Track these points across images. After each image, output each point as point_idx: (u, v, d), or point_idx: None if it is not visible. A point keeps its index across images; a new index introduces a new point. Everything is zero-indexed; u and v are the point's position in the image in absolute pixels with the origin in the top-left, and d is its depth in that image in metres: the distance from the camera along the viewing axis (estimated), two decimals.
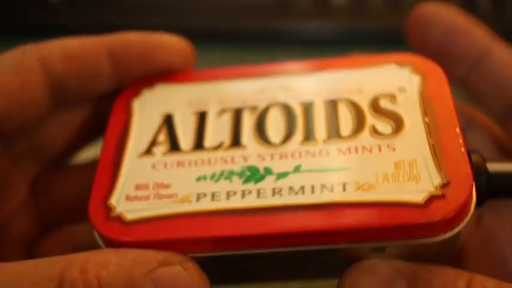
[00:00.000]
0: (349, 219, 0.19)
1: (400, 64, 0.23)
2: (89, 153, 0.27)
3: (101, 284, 0.18)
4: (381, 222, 0.19)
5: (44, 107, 0.24)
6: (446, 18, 0.25)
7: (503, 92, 0.23)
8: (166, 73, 0.25)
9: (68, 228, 0.25)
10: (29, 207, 0.25)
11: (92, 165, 0.27)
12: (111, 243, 0.20)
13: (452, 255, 0.21)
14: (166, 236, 0.20)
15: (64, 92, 0.25)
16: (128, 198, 0.21)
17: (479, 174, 0.20)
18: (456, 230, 0.19)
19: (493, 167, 0.21)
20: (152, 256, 0.19)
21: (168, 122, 0.23)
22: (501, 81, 0.23)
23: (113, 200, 0.21)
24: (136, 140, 0.23)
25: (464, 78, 0.23)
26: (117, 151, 0.22)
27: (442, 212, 0.19)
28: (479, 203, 0.20)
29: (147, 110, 0.24)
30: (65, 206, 0.25)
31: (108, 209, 0.21)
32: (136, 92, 0.25)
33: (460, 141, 0.20)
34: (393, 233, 0.19)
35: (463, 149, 0.20)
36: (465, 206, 0.19)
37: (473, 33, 0.25)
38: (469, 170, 0.20)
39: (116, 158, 0.22)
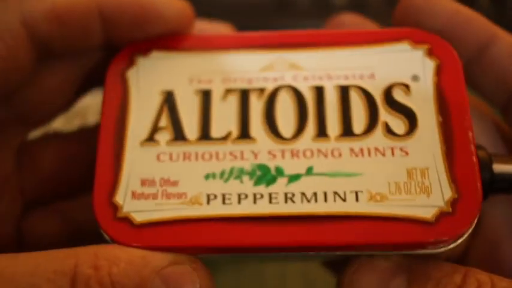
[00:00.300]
0: (360, 234, 0.19)
1: (414, 44, 0.22)
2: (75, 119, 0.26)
3: (112, 283, 0.19)
4: (390, 239, 0.19)
5: (28, 71, 0.22)
6: (444, 7, 0.23)
7: (506, 83, 0.23)
8: (162, 37, 0.23)
9: (55, 203, 0.25)
10: (14, 181, 0.24)
11: (76, 134, 0.25)
12: (118, 243, 0.20)
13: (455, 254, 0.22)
14: (176, 243, 0.20)
15: (50, 55, 0.22)
16: (135, 195, 0.20)
17: (484, 171, 0.21)
18: (461, 240, 0.20)
19: (498, 166, 0.21)
20: (161, 255, 0.19)
21: (169, 102, 0.22)
22: (503, 71, 0.23)
23: (119, 198, 0.20)
24: (136, 123, 0.21)
25: (464, 68, 0.22)
26: (116, 136, 0.21)
27: (451, 230, 0.19)
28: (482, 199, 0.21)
29: (144, 86, 0.22)
30: (50, 179, 0.24)
31: (115, 207, 0.20)
32: (130, 61, 0.23)
33: (472, 148, 0.20)
34: (401, 247, 0.20)
35: (474, 158, 0.20)
36: (473, 222, 0.20)
37: (474, 22, 0.23)
38: (479, 184, 0.20)
39: (116, 145, 0.21)
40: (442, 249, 0.20)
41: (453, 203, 0.20)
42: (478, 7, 0.31)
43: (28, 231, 0.24)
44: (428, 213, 0.20)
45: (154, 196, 0.20)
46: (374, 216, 0.20)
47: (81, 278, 0.18)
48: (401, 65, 0.22)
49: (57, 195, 0.25)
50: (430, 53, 0.22)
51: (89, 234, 0.25)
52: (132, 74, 0.22)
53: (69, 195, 0.25)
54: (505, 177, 0.21)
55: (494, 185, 0.21)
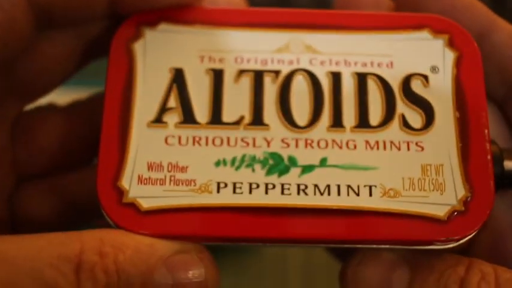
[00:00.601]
0: (372, 230, 0.19)
1: (435, 33, 0.21)
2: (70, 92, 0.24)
3: (118, 271, 0.18)
4: (402, 236, 0.19)
5: (27, 40, 0.21)
6: None
7: (505, 74, 0.22)
8: (170, 9, 0.21)
9: (49, 178, 0.24)
10: (8, 154, 0.23)
11: (72, 107, 0.24)
12: (124, 229, 0.19)
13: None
14: (184, 232, 0.19)
15: (50, 24, 0.21)
16: (141, 180, 0.20)
17: (495, 167, 0.20)
18: (470, 236, 0.20)
19: (509, 163, 0.21)
20: (168, 243, 0.19)
21: (179, 80, 0.21)
22: (503, 61, 0.22)
23: (125, 182, 0.19)
24: (143, 102, 0.20)
25: None
26: (122, 115, 0.20)
27: (463, 229, 0.19)
28: None
29: (152, 62, 0.21)
30: (44, 153, 0.23)
31: (120, 192, 0.19)
32: (136, 33, 0.21)
33: (487, 146, 0.20)
34: (411, 244, 0.20)
35: (489, 157, 0.20)
36: (485, 221, 0.20)
37: (474, 8, 0.22)
38: (492, 183, 0.20)
39: (121, 125, 0.20)
40: (451, 246, 0.20)
41: (466, 201, 0.20)
42: None
43: (20, 205, 0.23)
44: (441, 211, 0.19)
45: (162, 182, 0.20)
46: (386, 212, 0.19)
47: (86, 265, 0.18)
48: (421, 55, 0.21)
49: (51, 170, 0.24)
50: (451, 44, 0.21)
51: (83, 210, 0.24)
52: (138, 47, 0.21)
53: (63, 170, 0.24)
54: None
55: (505, 181, 0.21)
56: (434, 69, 0.21)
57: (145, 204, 0.19)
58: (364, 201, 0.20)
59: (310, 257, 0.32)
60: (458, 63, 0.21)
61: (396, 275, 0.20)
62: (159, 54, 0.21)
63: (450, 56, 0.21)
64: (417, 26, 0.22)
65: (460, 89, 0.21)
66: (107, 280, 0.18)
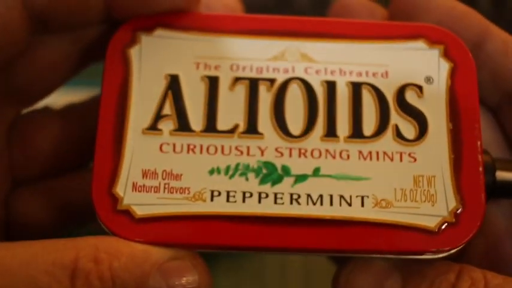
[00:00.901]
0: (364, 240, 0.19)
1: (430, 43, 0.22)
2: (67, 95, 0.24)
3: (113, 277, 0.18)
4: (393, 247, 0.19)
5: (23, 45, 0.21)
6: (440, 2, 0.22)
7: (499, 81, 0.22)
8: (166, 14, 0.21)
9: (44, 182, 0.24)
10: (4, 158, 0.23)
11: (68, 112, 0.24)
12: (118, 237, 0.19)
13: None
14: (178, 240, 0.19)
15: (46, 28, 0.21)
16: (136, 187, 0.20)
17: (487, 177, 0.20)
18: (460, 247, 0.20)
19: (501, 173, 0.21)
20: (162, 250, 0.19)
21: (174, 87, 0.21)
22: (497, 70, 0.22)
23: (119, 189, 0.20)
24: (138, 109, 0.20)
25: None
26: (117, 121, 0.20)
27: (454, 241, 0.19)
28: None
29: (147, 68, 0.21)
30: (40, 157, 0.23)
31: (114, 199, 0.19)
32: (132, 38, 0.21)
33: (480, 158, 0.20)
34: (402, 254, 0.20)
35: (480, 169, 0.20)
36: (475, 233, 0.20)
37: (469, 17, 0.22)
38: (483, 196, 0.20)
39: (116, 132, 0.20)
40: (441, 256, 0.20)
41: (456, 213, 0.20)
42: (478, 7, 0.30)
43: (15, 209, 0.23)
44: (431, 223, 0.20)
45: (156, 189, 0.20)
46: (378, 223, 0.20)
47: (81, 272, 0.18)
48: (416, 65, 0.21)
49: (46, 174, 0.24)
50: (446, 54, 0.21)
51: (78, 214, 0.24)
52: (134, 53, 0.21)
53: (59, 173, 0.24)
54: (507, 184, 0.21)
55: (496, 191, 0.21)
56: (428, 79, 0.21)
57: (140, 211, 0.19)
58: (356, 212, 0.20)
59: (310, 257, 0.31)
60: (453, 74, 0.21)
61: (388, 283, 0.20)
62: (155, 60, 0.21)
63: (445, 66, 0.21)
64: (412, 36, 0.22)
65: (454, 100, 0.21)
66: (102, 286, 0.18)
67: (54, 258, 0.18)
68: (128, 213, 0.19)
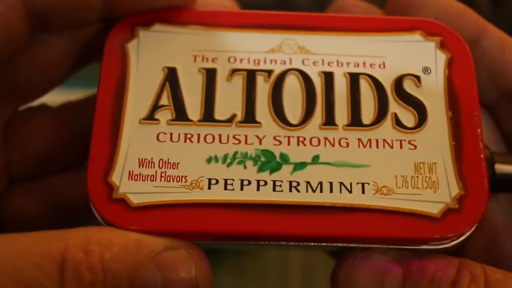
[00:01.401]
0: (365, 227, 0.19)
1: (426, 36, 0.22)
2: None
3: (104, 268, 0.18)
4: (396, 234, 0.19)
5: (21, 43, 0.21)
6: (435, 1, 0.23)
7: (495, 79, 0.22)
8: (164, 10, 0.22)
9: (39, 180, 0.23)
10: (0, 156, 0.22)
11: (64, 110, 0.24)
12: (113, 225, 0.19)
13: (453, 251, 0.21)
14: (174, 228, 0.19)
15: (45, 27, 0.21)
16: (132, 176, 0.19)
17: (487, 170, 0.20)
18: (464, 237, 0.20)
19: (500, 166, 0.21)
20: (157, 239, 0.19)
21: (171, 79, 0.21)
22: (493, 67, 0.22)
23: (115, 178, 0.19)
24: (135, 100, 0.20)
25: None
26: (114, 111, 0.20)
27: (457, 227, 0.19)
28: None
29: (145, 60, 0.21)
30: (36, 155, 0.23)
31: (110, 187, 0.19)
32: (130, 33, 0.21)
33: (481, 145, 0.20)
34: (405, 242, 0.19)
35: (482, 155, 0.20)
36: (479, 219, 0.19)
37: (465, 15, 0.23)
38: (486, 181, 0.20)
39: (113, 121, 0.20)
40: (444, 246, 0.19)
41: (460, 199, 0.19)
42: (478, 7, 0.31)
43: (9, 206, 0.23)
44: (434, 209, 0.19)
45: (153, 178, 0.19)
46: (380, 209, 0.19)
47: (70, 264, 0.17)
48: (413, 56, 0.21)
49: (41, 172, 0.24)
50: (442, 46, 0.22)
51: (73, 212, 0.24)
52: (132, 47, 0.21)
53: (54, 171, 0.24)
54: (506, 177, 0.21)
55: (496, 184, 0.21)
56: (426, 70, 0.21)
57: (136, 200, 0.19)
58: (356, 199, 0.19)
59: (310, 257, 0.31)
60: (450, 65, 0.21)
61: (388, 277, 0.20)
62: (153, 53, 0.21)
63: (442, 57, 0.21)
64: (409, 29, 0.22)
65: (452, 89, 0.21)
66: (93, 278, 0.17)
67: (43, 250, 0.17)
68: (123, 201, 0.19)
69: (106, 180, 0.19)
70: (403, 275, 0.20)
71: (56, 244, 0.17)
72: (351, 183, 0.19)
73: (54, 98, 0.24)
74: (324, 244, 0.20)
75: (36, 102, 0.24)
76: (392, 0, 0.23)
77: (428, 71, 0.21)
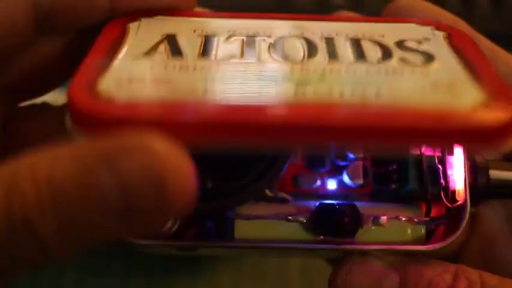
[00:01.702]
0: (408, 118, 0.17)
1: (420, 24, 0.22)
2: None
3: (49, 178, 0.14)
4: (427, 124, 0.16)
5: (25, 40, 0.21)
6: (430, 11, 0.24)
7: None
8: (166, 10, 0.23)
9: None
10: None
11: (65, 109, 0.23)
12: (92, 125, 0.16)
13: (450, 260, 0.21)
14: (157, 117, 0.16)
15: (51, 24, 0.22)
16: (120, 85, 0.17)
17: (481, 177, 0.21)
18: (455, 236, 0.20)
19: (494, 172, 0.21)
20: (110, 138, 0.15)
21: (170, 39, 0.20)
22: None
23: (101, 83, 0.17)
24: (132, 48, 0.20)
25: None
26: (110, 50, 0.19)
27: (490, 122, 0.16)
28: (476, 202, 0.21)
29: (145, 29, 0.21)
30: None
31: (94, 90, 0.17)
32: (133, 18, 0.22)
33: (494, 69, 0.19)
34: (437, 137, 0.16)
35: (498, 74, 0.19)
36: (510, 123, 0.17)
37: (457, 26, 0.23)
38: (508, 87, 0.18)
39: (109, 53, 0.19)
40: (439, 246, 0.20)
41: (488, 99, 0.17)
42: (478, 7, 0.31)
43: None
44: (466, 104, 0.17)
45: (142, 86, 0.17)
46: (400, 107, 0.17)
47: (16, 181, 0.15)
48: (411, 31, 0.22)
49: None
50: (439, 29, 0.22)
51: None
52: (133, 25, 0.21)
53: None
54: (500, 183, 0.22)
55: (491, 190, 0.21)
56: (425, 39, 0.21)
57: (120, 95, 0.17)
58: (373, 101, 0.17)
59: (310, 258, 0.30)
60: (448, 36, 0.21)
61: (385, 283, 0.20)
62: (153, 26, 0.21)
63: (440, 33, 0.22)
64: (403, 21, 0.23)
65: (454, 45, 0.21)
66: (36, 191, 0.14)
67: None
68: (105, 97, 0.17)
69: (91, 84, 0.17)
70: (400, 281, 0.20)
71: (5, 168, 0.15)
72: (364, 90, 0.17)
73: (55, 97, 0.23)
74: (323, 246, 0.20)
75: (38, 101, 0.23)
76: (387, 11, 0.24)
77: (428, 39, 0.21)
